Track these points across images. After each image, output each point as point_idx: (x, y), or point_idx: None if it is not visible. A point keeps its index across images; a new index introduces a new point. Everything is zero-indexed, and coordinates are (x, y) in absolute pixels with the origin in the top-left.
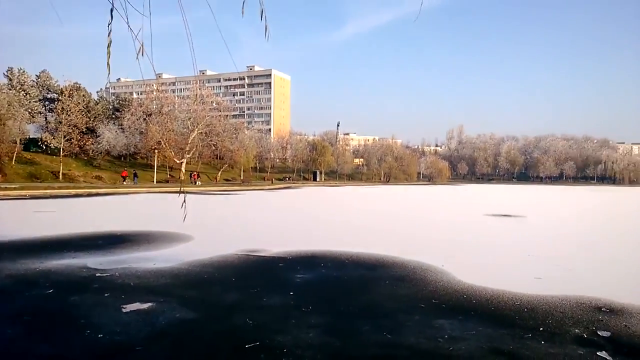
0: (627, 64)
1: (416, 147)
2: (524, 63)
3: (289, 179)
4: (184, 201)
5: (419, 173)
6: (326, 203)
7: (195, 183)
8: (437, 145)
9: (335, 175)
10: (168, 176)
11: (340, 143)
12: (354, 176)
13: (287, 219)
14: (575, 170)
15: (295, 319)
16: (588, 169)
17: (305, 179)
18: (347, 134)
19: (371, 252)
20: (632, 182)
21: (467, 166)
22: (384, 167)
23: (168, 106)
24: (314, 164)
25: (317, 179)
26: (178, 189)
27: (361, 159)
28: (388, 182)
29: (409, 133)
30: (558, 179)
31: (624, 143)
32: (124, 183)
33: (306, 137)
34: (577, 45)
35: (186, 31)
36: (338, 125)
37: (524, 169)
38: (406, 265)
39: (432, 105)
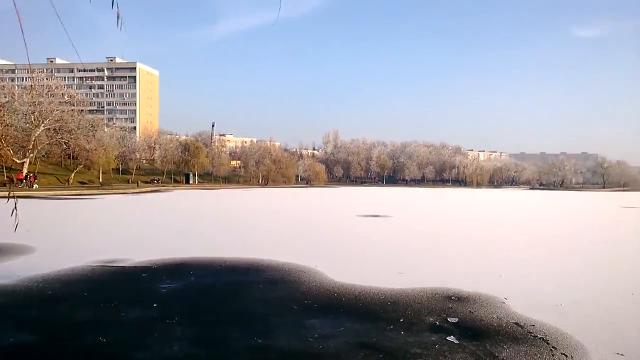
0: (475, 80)
1: (294, 150)
2: (387, 73)
3: (157, 181)
4: (15, 207)
5: (297, 176)
6: (199, 206)
7: (32, 187)
8: (314, 149)
9: (211, 178)
10: (6, 178)
11: (216, 144)
12: (230, 179)
13: (152, 224)
14: (434, 173)
15: (159, 333)
16: (445, 173)
17: (176, 181)
18: (224, 135)
19: (246, 257)
20: (478, 185)
21: (343, 169)
22: (262, 169)
23: (5, 96)
24: (186, 166)
25: (191, 182)
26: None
27: (238, 161)
28: (266, 184)
29: (287, 136)
30: (420, 181)
31: (472, 150)
32: None
33: (177, 137)
34: (429, 59)
35: (15, 9)
36: (213, 126)
37: (392, 173)
38: (281, 268)
39: (310, 108)
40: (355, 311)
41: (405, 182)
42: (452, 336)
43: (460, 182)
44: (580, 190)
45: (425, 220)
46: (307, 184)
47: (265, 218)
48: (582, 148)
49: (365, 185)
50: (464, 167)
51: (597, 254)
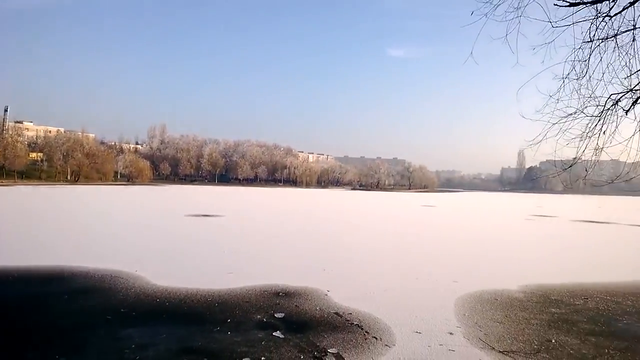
0: (311, 84)
1: (114, 143)
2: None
3: None
4: None
5: (116, 172)
6: None
7: None
8: (137, 143)
9: (2, 172)
10: None
11: (10, 132)
12: (30, 173)
13: None
14: (267, 173)
15: None
16: (277, 173)
17: None
18: (21, 122)
19: (47, 264)
20: (307, 184)
21: (171, 167)
22: (72, 164)
23: None
24: None
25: None
26: None
27: (40, 153)
28: (77, 181)
29: (104, 127)
30: (253, 180)
31: (303, 152)
32: None
33: None
34: (265, 58)
35: None
36: (6, 110)
37: (224, 171)
38: (92, 275)
39: (134, 98)
40: (180, 316)
41: (238, 181)
42: (278, 331)
43: (291, 181)
44: (392, 191)
45: (256, 218)
46: (128, 181)
47: (73, 216)
48: (393, 154)
49: (195, 184)
50: (294, 168)
51: (404, 248)
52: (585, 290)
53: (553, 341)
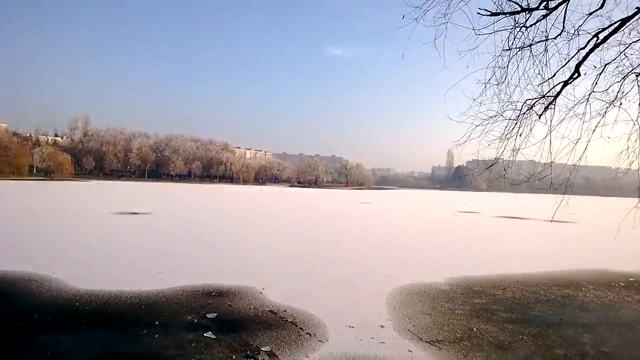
0: (246, 76)
1: (28, 134)
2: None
3: None
4: None
5: (32, 166)
6: None
7: None
8: (57, 135)
9: None
10: None
11: None
12: None
13: None
14: (201, 169)
15: None
16: (212, 169)
17: None
18: None
19: None
20: (245, 181)
21: (95, 161)
22: None
23: None
24: None
25: None
26: None
27: None
28: None
29: (17, 117)
30: (187, 177)
31: (240, 147)
32: None
33: None
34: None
35: None
36: None
37: (155, 167)
38: (1, 279)
39: (50, 87)
40: (102, 320)
41: (170, 177)
42: (209, 332)
43: (227, 178)
44: (329, 188)
45: (188, 217)
46: (46, 176)
47: None
48: (332, 151)
49: (123, 180)
50: (231, 164)
51: (340, 244)
52: (505, 281)
53: (474, 330)
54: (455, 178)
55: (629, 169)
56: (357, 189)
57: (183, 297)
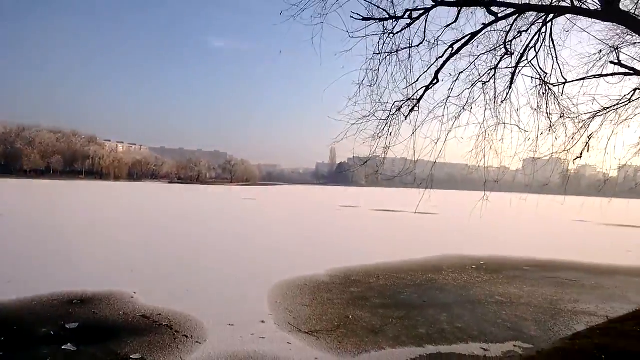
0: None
1: None
2: None
3: None
4: None
5: None
6: None
7: None
8: None
9: None
10: None
11: None
12: None
13: None
14: (63, 164)
15: None
16: (77, 163)
17: None
18: None
19: None
20: (116, 177)
21: None
22: None
23: None
24: None
25: None
26: None
27: None
28: None
29: None
30: (45, 172)
31: (110, 141)
32: None
33: None
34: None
35: None
36: None
37: (3, 161)
38: None
39: None
40: None
41: (24, 173)
42: (69, 344)
43: (95, 174)
44: (213, 184)
45: (45, 217)
46: None
47: None
48: (215, 146)
49: None
50: (99, 158)
51: (222, 242)
52: (379, 269)
53: (350, 317)
54: (338, 174)
55: (478, 166)
56: (242, 185)
57: (38, 307)
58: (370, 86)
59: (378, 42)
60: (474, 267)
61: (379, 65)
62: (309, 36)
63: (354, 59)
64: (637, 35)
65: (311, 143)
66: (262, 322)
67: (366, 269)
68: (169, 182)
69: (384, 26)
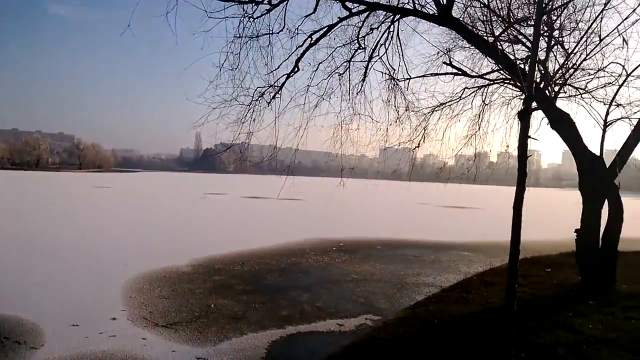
0: None
1: None
2: None
3: None
4: None
5: None
6: None
7: None
8: None
9: None
10: None
11: None
12: None
13: None
14: None
15: None
16: None
17: None
18: None
19: None
20: None
21: None
22: None
23: None
24: None
25: None
26: None
27: None
28: None
29: None
30: None
31: None
32: None
33: None
34: None
35: None
36: None
37: None
38: None
39: None
40: None
41: None
42: None
43: None
44: (57, 171)
45: None
46: None
47: None
48: (59, 128)
49: None
50: None
51: (69, 234)
52: (244, 256)
53: (212, 306)
54: (204, 160)
55: (336, 154)
56: (94, 171)
57: None
58: (231, 70)
59: (238, 26)
60: (334, 249)
61: (240, 49)
62: (164, 11)
63: (214, 42)
64: (465, 41)
65: (174, 127)
66: (113, 319)
67: (230, 256)
68: (0, 168)
69: (244, 9)
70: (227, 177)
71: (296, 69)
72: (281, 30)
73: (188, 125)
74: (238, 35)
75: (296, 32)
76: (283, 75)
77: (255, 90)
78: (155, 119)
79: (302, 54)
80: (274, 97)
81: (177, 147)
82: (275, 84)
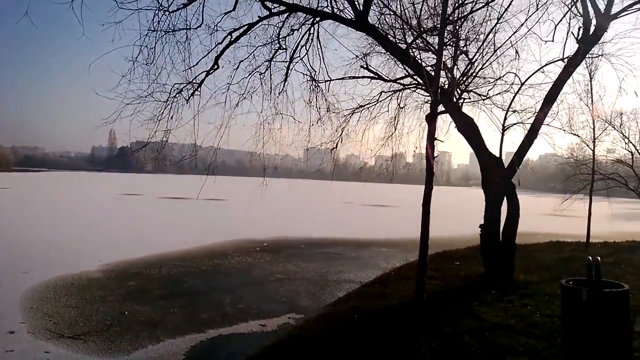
0: None
1: None
2: None
3: None
4: None
5: None
6: None
7: None
8: None
9: None
10: None
11: None
12: None
13: None
14: None
15: None
16: None
17: None
18: None
19: None
20: None
21: None
22: None
23: None
24: None
25: None
26: None
27: None
28: None
29: None
30: None
31: None
32: None
33: None
34: None
35: None
36: None
37: None
38: None
39: None
40: None
41: None
42: None
43: None
44: None
45: None
46: None
47: None
48: None
49: None
50: None
51: None
52: (162, 259)
53: (126, 313)
54: (119, 159)
55: (259, 153)
56: None
57: None
58: (146, 64)
59: (153, 19)
60: (258, 249)
61: (155, 43)
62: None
63: (125, 34)
64: (381, 46)
65: (84, 124)
66: (11, 332)
67: (147, 260)
68: None
69: (158, 2)
70: (144, 177)
71: (216, 66)
72: (199, 26)
73: (99, 122)
74: (153, 29)
75: (215, 28)
76: (202, 72)
77: (173, 86)
78: (63, 114)
79: (222, 52)
80: (192, 94)
81: (88, 145)
82: (194, 81)
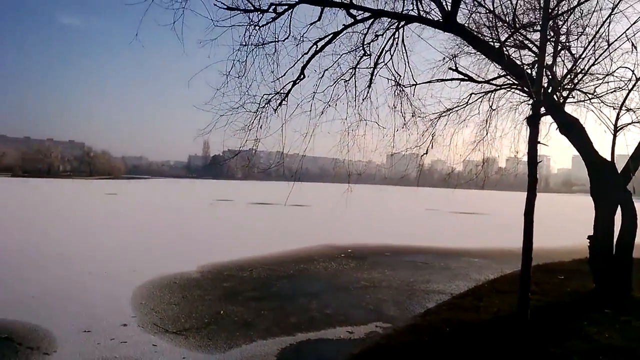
0: None
1: None
2: None
3: None
4: None
5: None
6: None
7: None
8: None
9: None
10: None
11: None
12: None
13: None
14: None
15: None
16: None
17: None
18: None
19: None
20: None
21: None
22: None
23: None
24: None
25: None
26: None
27: None
28: None
29: None
30: None
31: None
32: None
33: None
34: None
35: None
36: None
37: None
38: None
39: None
40: None
41: None
42: None
43: None
44: (69, 178)
45: None
46: None
47: None
48: (69, 136)
49: None
50: None
51: (77, 242)
52: (252, 263)
53: (222, 312)
54: (212, 167)
55: (343, 160)
56: (104, 179)
57: None
58: (238, 77)
59: (244, 34)
60: (342, 255)
61: (246, 57)
62: (170, 20)
63: (220, 50)
64: (470, 47)
65: (182, 134)
66: (124, 325)
67: (239, 263)
68: (12, 176)
69: (249, 18)
70: (235, 184)
71: (302, 76)
72: (287, 38)
73: (195, 133)
74: (244, 43)
75: (301, 39)
76: (289, 82)
77: (262, 97)
78: (164, 126)
79: (308, 61)
80: (280, 104)
81: (185, 154)
82: (282, 91)
